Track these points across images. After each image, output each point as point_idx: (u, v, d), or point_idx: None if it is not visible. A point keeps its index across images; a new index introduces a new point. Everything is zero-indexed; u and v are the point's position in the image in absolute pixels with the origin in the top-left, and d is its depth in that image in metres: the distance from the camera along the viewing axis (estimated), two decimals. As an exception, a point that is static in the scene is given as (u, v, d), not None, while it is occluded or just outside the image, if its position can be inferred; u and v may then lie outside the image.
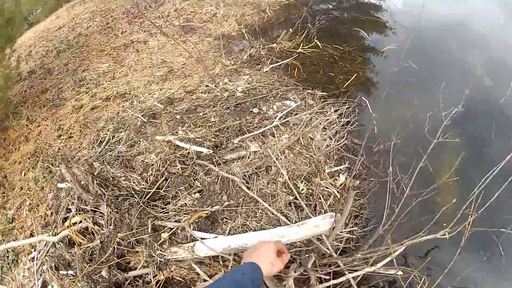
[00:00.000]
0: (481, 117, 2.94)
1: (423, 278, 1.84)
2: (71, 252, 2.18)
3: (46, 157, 3.22)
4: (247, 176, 2.35)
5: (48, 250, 2.32)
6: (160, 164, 2.40)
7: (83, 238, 2.19)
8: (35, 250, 2.49)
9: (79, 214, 2.24)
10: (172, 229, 2.05)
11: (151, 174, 2.34)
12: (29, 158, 3.35)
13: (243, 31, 4.69)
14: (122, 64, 4.53)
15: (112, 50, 4.95)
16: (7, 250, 2.69)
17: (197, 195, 2.25)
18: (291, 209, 2.19)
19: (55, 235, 2.28)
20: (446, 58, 3.65)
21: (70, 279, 2.09)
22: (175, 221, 2.09)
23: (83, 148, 3.16)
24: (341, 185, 2.40)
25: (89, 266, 2.02)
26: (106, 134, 3.07)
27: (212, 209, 2.10)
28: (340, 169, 2.51)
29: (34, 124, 3.78)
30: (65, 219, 2.35)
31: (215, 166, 2.40)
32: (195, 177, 2.38)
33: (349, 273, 1.84)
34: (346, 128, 2.88)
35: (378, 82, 3.52)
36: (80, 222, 2.22)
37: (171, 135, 2.68)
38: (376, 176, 2.51)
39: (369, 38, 4.17)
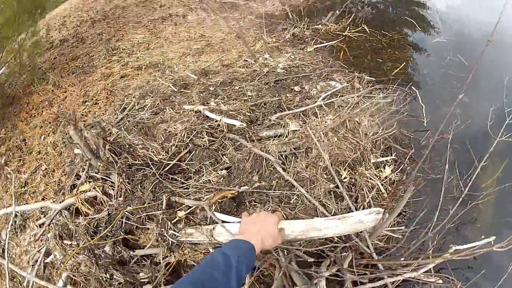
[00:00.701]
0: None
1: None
2: (75, 222, 1.91)
3: (67, 121, 2.99)
4: (283, 156, 2.02)
5: (53, 217, 2.07)
6: (184, 134, 2.08)
7: (90, 208, 1.92)
8: (44, 216, 2.29)
9: (89, 181, 1.97)
10: (190, 207, 1.73)
11: (173, 145, 2.03)
12: (50, 123, 3.14)
13: (287, 10, 4.36)
14: (158, 36, 4.30)
15: (149, 22, 4.73)
16: (15, 214, 2.48)
17: (224, 172, 1.94)
18: (330, 198, 1.88)
19: (61, 202, 2.03)
20: (497, 57, 3.23)
21: (72, 250, 1.84)
22: (195, 199, 1.77)
23: (107, 114, 2.92)
24: (385, 177, 2.13)
25: (92, 238, 1.74)
26: (131, 100, 2.80)
27: (239, 189, 1.76)
28: (386, 160, 2.21)
29: (60, 90, 3.58)
30: (74, 186, 2.08)
31: (247, 142, 2.06)
32: (223, 152, 2.07)
33: (388, 277, 1.57)
34: (395, 116, 2.54)
35: (428, 74, 3.29)
36: (89, 190, 1.95)
37: (201, 105, 2.37)
38: (423, 172, 2.21)
39: (418, 28, 3.94)
